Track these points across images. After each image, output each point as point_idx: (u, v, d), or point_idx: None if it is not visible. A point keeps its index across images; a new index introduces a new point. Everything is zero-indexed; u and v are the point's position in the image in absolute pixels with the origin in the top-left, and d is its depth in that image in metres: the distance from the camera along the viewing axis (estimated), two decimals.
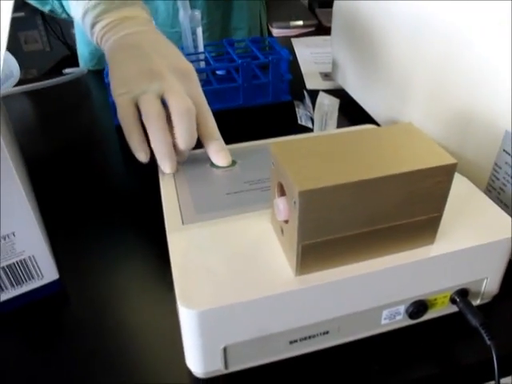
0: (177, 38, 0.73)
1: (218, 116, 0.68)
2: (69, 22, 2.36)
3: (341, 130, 0.48)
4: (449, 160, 0.28)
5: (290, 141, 0.30)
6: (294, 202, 0.26)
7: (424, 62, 0.48)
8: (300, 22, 2.41)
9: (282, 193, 0.29)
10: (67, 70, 0.83)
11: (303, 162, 0.27)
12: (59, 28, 2.37)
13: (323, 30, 1.58)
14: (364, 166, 0.27)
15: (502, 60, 0.38)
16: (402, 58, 0.52)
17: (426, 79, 0.48)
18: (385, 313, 0.33)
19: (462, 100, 0.42)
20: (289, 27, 2.29)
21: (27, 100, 0.75)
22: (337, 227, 0.28)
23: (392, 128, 0.32)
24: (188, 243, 0.32)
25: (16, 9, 0.42)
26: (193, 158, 0.43)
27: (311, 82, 0.76)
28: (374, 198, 0.27)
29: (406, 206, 0.28)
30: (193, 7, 0.82)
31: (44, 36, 2.39)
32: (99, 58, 0.90)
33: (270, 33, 2.02)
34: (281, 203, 0.28)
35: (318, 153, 0.28)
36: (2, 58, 0.30)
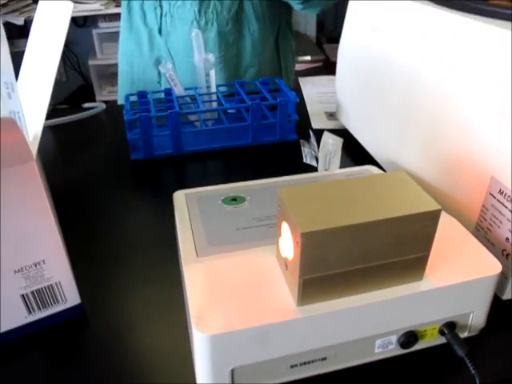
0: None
1: (228, 153, 0.73)
2: (85, 54, 2.45)
3: (342, 171, 0.52)
4: (434, 206, 0.31)
5: (295, 186, 0.34)
6: (297, 242, 0.30)
7: (418, 113, 0.52)
8: (308, 57, 2.49)
9: (287, 232, 0.33)
10: (86, 105, 0.88)
11: (306, 206, 0.31)
12: (76, 58, 2.46)
13: (330, 64, 1.63)
14: (359, 210, 0.31)
15: (485, 115, 0.42)
16: (399, 108, 0.56)
17: (420, 128, 0.52)
18: (378, 342, 0.36)
19: (453, 147, 0.46)
20: (297, 62, 2.38)
21: (45, 132, 0.80)
22: (334, 264, 0.31)
23: (386, 176, 0.36)
24: (202, 274, 0.36)
25: None
26: (206, 195, 0.47)
27: (316, 122, 0.81)
28: (368, 239, 0.31)
29: (396, 246, 0.32)
30: (205, 41, 0.88)
31: (61, 66, 2.48)
32: (133, 80, 0.99)
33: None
34: (285, 242, 0.32)
35: (320, 198, 0.32)
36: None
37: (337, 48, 0.73)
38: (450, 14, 0.46)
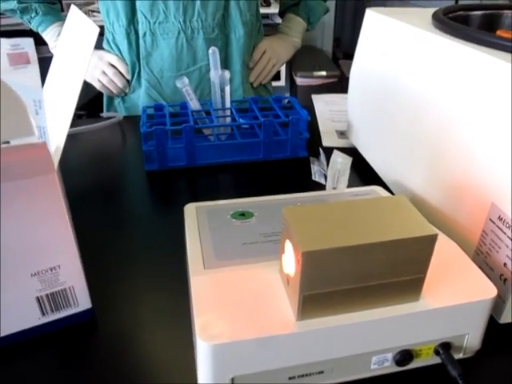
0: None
1: (239, 167, 0.74)
2: None
3: (348, 190, 0.54)
4: (431, 231, 0.33)
5: (300, 206, 0.35)
6: (298, 260, 0.31)
7: (423, 138, 0.54)
8: (323, 73, 2.51)
9: (289, 250, 0.34)
10: (104, 115, 0.91)
11: (308, 227, 0.33)
12: None
13: (345, 80, 1.67)
14: (359, 232, 0.33)
15: (485, 142, 0.43)
16: (406, 131, 0.58)
17: (425, 152, 0.54)
18: (374, 358, 0.37)
19: (456, 172, 0.48)
20: (312, 77, 2.40)
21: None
22: (333, 282, 0.33)
23: (388, 199, 0.37)
24: (208, 286, 0.37)
25: None
26: (215, 209, 0.49)
27: (327, 140, 0.82)
28: (366, 259, 0.32)
29: (393, 268, 0.33)
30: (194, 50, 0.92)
31: None
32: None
33: (293, 81, 2.13)
34: (287, 259, 0.34)
35: (322, 219, 0.34)
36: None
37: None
38: (456, 43, 0.48)
